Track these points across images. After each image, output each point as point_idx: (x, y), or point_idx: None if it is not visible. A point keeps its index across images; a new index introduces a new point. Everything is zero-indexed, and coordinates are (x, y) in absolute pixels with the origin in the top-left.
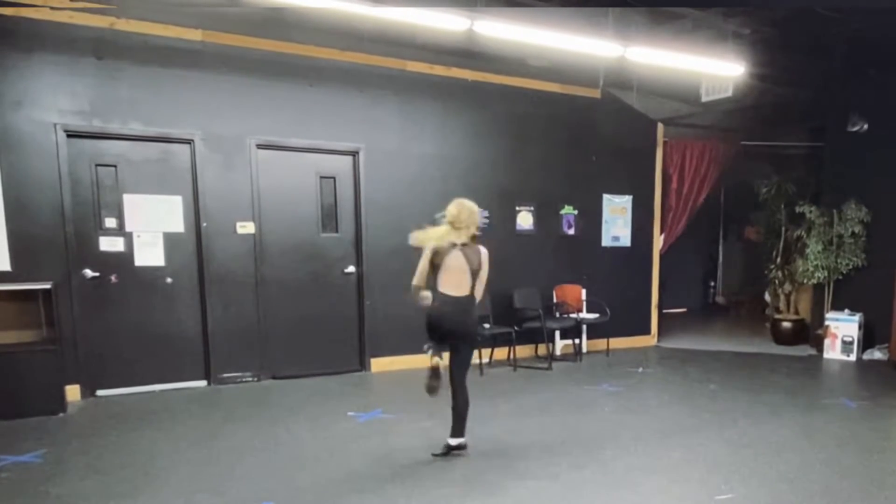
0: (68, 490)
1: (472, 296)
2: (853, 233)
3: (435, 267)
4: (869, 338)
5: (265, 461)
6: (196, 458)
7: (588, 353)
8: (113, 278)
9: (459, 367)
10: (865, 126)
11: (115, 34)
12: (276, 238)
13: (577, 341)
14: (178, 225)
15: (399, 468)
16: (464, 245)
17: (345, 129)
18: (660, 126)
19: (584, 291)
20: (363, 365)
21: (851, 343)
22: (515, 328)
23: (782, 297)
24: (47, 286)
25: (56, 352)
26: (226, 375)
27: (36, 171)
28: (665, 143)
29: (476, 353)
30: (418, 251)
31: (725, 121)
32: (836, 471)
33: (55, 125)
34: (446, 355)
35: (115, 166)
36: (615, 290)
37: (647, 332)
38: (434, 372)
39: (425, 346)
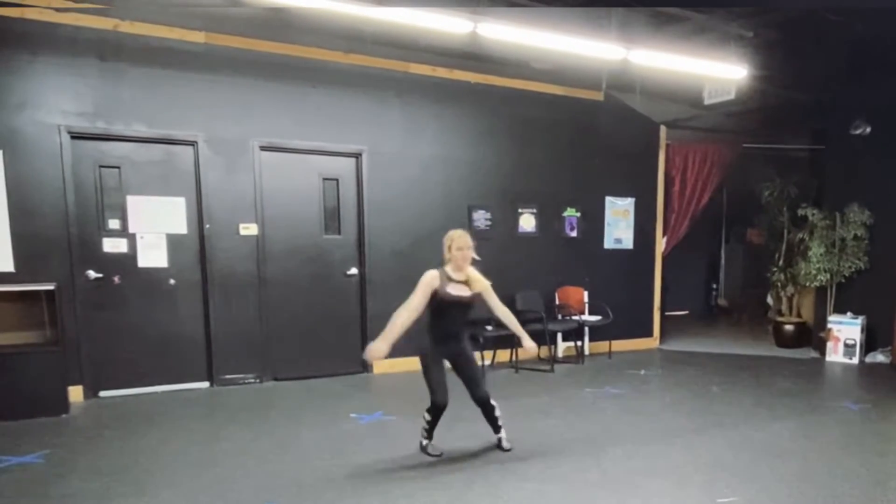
0: (71, 491)
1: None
2: (855, 236)
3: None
4: (871, 341)
5: (267, 462)
6: (198, 459)
7: (590, 355)
8: (116, 279)
9: None
10: (868, 129)
11: (119, 36)
12: (278, 240)
13: (579, 343)
14: (181, 226)
15: (401, 470)
16: None
17: (348, 131)
18: (662, 128)
19: (586, 294)
20: (365, 367)
21: (854, 346)
22: None
23: (784, 300)
24: (51, 287)
25: (59, 353)
26: (228, 377)
27: (40, 173)
28: (668, 145)
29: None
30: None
31: (728, 123)
32: (838, 474)
33: (59, 127)
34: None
35: (118, 168)
36: (617, 293)
37: (649, 334)
38: None
39: None
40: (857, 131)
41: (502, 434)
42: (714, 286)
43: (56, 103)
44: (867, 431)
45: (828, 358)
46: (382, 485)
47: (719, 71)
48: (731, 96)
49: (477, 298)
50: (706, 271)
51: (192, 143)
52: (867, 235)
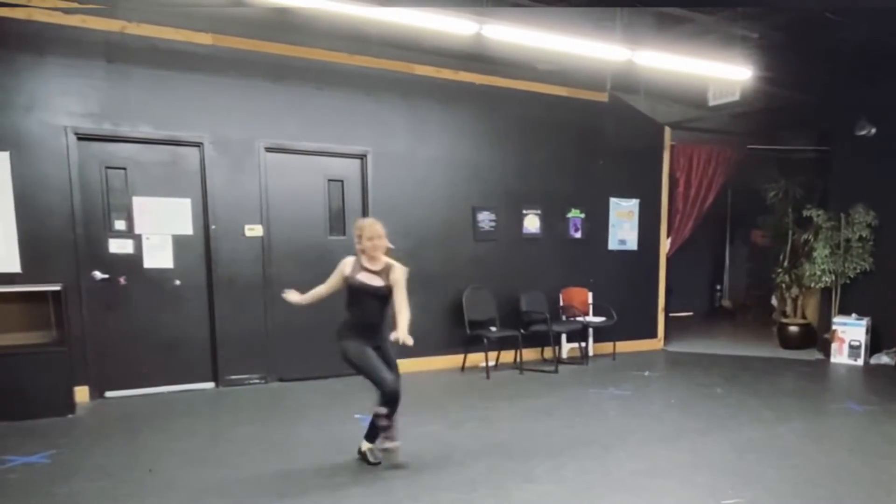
0: (77, 491)
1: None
2: (861, 237)
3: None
4: (876, 342)
5: (272, 463)
6: (204, 459)
7: (594, 356)
8: (122, 280)
9: None
10: (873, 130)
11: (126, 38)
12: (283, 240)
13: (583, 345)
14: (186, 227)
15: (405, 470)
16: None
17: (353, 133)
18: (667, 129)
19: (590, 295)
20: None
21: (859, 347)
22: (522, 331)
23: (789, 301)
24: (57, 288)
25: (65, 353)
26: (233, 377)
27: (47, 174)
28: (672, 146)
29: (484, 355)
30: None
31: (732, 124)
32: (842, 476)
33: (66, 128)
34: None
35: (124, 169)
36: (622, 294)
37: (653, 335)
38: None
39: None
40: (863, 132)
41: (376, 444)
42: (718, 287)
43: (63, 105)
44: (872, 433)
45: (832, 359)
46: (386, 485)
47: (724, 72)
48: (736, 97)
49: (389, 290)
50: (710, 272)
51: (198, 145)
52: (872, 236)
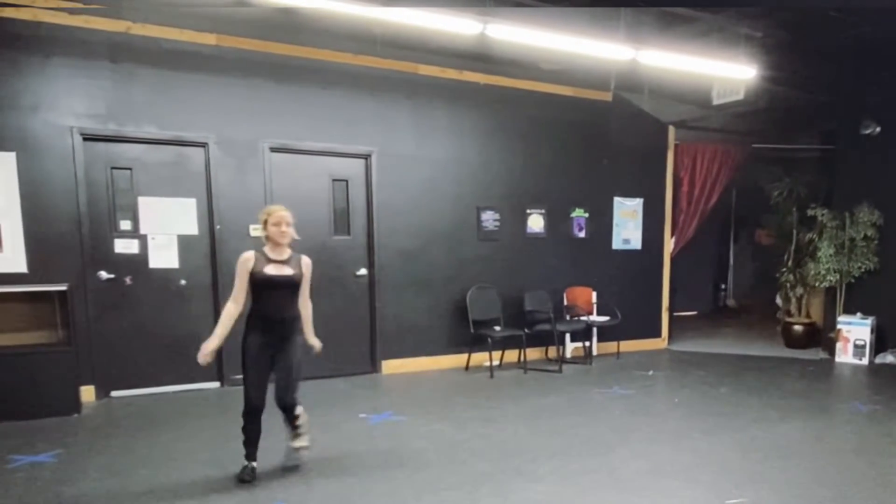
0: (83, 490)
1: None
2: (865, 236)
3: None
4: (881, 341)
5: (277, 462)
6: (209, 458)
7: (598, 355)
8: (127, 280)
9: None
10: (878, 129)
11: (131, 38)
12: None
13: (587, 344)
14: (192, 227)
15: (409, 470)
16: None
17: (357, 133)
18: (671, 129)
19: (594, 294)
20: (374, 367)
21: (863, 347)
22: (526, 331)
23: (794, 301)
24: (63, 288)
25: (71, 353)
26: (239, 377)
27: (52, 174)
28: (676, 145)
29: (488, 354)
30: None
31: (737, 124)
32: (847, 476)
33: (71, 128)
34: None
35: (130, 169)
36: (626, 293)
37: (657, 335)
38: None
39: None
40: (867, 131)
41: (301, 443)
42: (723, 287)
43: (68, 105)
44: (876, 432)
45: (837, 359)
46: (391, 484)
47: (728, 71)
48: (740, 96)
49: (301, 279)
50: (715, 272)
51: (203, 145)
52: (877, 236)
